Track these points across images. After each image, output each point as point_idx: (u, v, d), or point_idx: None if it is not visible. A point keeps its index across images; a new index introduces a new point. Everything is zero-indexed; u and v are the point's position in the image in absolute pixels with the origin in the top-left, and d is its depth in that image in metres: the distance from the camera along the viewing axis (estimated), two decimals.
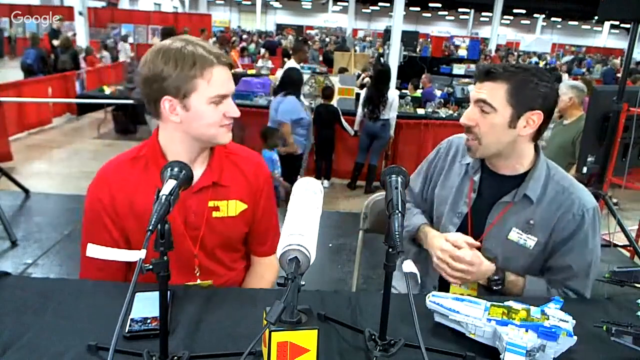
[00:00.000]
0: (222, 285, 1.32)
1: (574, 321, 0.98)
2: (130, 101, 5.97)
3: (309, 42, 17.32)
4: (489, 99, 1.27)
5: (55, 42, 9.29)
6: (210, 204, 1.26)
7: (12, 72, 9.89)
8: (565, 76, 10.86)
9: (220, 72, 1.15)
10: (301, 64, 5.51)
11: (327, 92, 5.41)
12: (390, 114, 5.15)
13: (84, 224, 1.27)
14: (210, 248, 1.29)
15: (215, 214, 1.27)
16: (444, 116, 6.08)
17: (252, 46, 16.37)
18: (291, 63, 5.20)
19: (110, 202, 1.22)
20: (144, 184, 1.21)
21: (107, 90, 6.93)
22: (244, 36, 19.65)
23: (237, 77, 7.81)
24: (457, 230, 1.43)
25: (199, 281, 1.28)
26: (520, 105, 1.27)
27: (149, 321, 0.98)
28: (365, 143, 5.25)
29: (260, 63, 11.07)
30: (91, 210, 1.25)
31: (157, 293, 0.85)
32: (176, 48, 1.13)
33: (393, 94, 5.24)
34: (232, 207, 1.29)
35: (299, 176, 4.83)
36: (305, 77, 6.01)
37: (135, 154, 1.26)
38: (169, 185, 0.86)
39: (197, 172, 1.24)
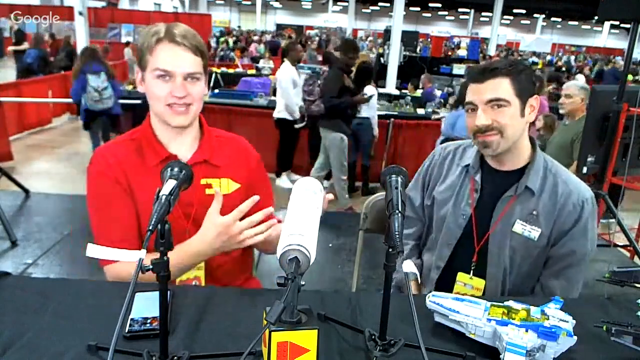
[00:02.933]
0: (218, 270, 1.34)
1: (574, 321, 0.98)
2: (129, 101, 5.97)
3: (308, 42, 17.35)
4: (501, 94, 1.31)
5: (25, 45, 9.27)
6: (202, 181, 1.31)
7: (11, 72, 9.89)
8: (582, 77, 10.84)
9: (166, 48, 1.20)
10: (299, 64, 5.46)
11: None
12: (369, 112, 4.98)
13: (92, 206, 1.28)
14: None
15: (208, 191, 1.31)
16: (444, 116, 6.07)
17: (262, 47, 16.26)
18: (286, 65, 5.13)
19: (113, 175, 1.26)
20: (137, 162, 1.27)
21: None
22: (255, 37, 19.49)
23: (237, 77, 7.84)
24: (462, 231, 1.45)
25: None
26: (523, 94, 1.32)
27: (149, 321, 0.98)
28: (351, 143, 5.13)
29: (262, 63, 11.08)
30: (97, 188, 1.27)
31: (157, 293, 0.85)
32: (151, 26, 1.24)
33: (369, 91, 4.98)
34: (224, 185, 1.34)
35: None
36: (305, 77, 5.99)
37: (130, 136, 1.33)
38: (169, 185, 0.86)
39: (188, 151, 1.31)
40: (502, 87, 1.31)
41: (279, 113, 5.10)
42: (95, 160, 1.29)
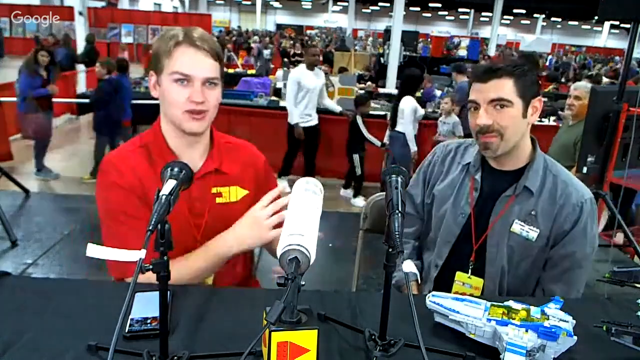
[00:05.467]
0: (222, 277, 1.33)
1: (574, 321, 0.98)
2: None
3: (308, 42, 17.29)
4: (503, 94, 1.31)
5: None
6: (213, 190, 1.30)
7: (11, 72, 9.87)
8: (607, 80, 10.82)
9: (186, 52, 1.17)
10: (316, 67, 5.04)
11: (360, 100, 4.97)
12: (405, 126, 4.61)
13: (107, 218, 1.22)
14: (214, 234, 1.29)
15: (218, 200, 1.30)
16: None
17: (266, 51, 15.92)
18: (301, 68, 4.94)
19: (126, 182, 1.21)
20: (149, 170, 1.23)
21: None
22: (255, 37, 19.28)
23: (237, 77, 7.84)
24: (461, 229, 1.45)
25: None
26: (526, 95, 1.32)
27: (149, 321, 0.98)
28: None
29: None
30: (109, 198, 1.22)
31: (157, 293, 0.85)
32: (167, 30, 1.22)
33: (404, 103, 4.65)
34: (233, 193, 1.33)
35: None
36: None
37: (138, 141, 1.29)
38: (169, 185, 0.86)
39: (199, 160, 1.29)
40: (505, 87, 1.31)
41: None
42: (106, 169, 1.24)
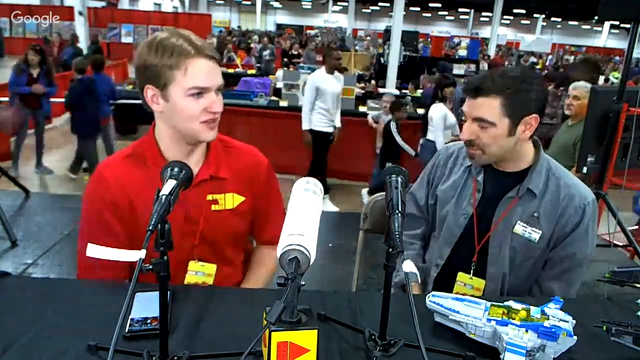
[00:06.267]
0: (221, 280, 1.33)
1: (574, 321, 0.98)
2: (129, 101, 5.97)
3: (308, 42, 17.27)
4: (486, 116, 1.29)
5: None
6: (209, 197, 1.28)
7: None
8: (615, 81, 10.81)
9: (199, 64, 1.14)
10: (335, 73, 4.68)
11: (395, 106, 4.79)
12: (435, 135, 4.41)
13: (84, 225, 1.26)
14: (211, 241, 1.30)
15: (214, 207, 1.28)
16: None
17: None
18: (321, 72, 4.63)
19: (111, 199, 1.22)
20: (142, 181, 1.21)
21: None
22: (254, 37, 19.18)
23: (237, 77, 7.85)
24: (462, 230, 1.44)
25: (200, 262, 1.29)
26: (516, 115, 1.30)
27: (149, 321, 0.98)
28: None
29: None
30: (91, 210, 1.25)
31: (157, 293, 0.85)
32: (161, 38, 1.15)
33: (433, 111, 4.47)
34: (229, 200, 1.31)
35: None
36: (307, 77, 5.92)
37: (132, 150, 1.27)
38: (169, 185, 0.86)
39: (195, 166, 1.26)
40: (490, 107, 1.29)
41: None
42: (93, 180, 1.25)
